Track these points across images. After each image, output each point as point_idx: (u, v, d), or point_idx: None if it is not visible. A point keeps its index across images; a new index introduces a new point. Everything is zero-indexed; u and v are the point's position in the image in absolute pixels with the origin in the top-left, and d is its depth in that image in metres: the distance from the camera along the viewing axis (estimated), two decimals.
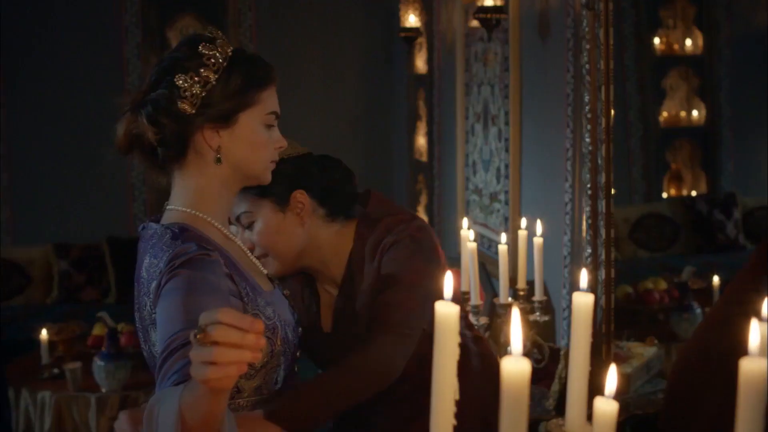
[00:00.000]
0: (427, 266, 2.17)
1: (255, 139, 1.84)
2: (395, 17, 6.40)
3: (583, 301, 1.18)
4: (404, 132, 6.62)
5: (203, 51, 1.79)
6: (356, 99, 7.09)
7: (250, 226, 2.16)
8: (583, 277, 1.25)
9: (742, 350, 0.99)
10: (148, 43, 6.65)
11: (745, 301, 2.02)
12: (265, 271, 1.97)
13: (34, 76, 6.49)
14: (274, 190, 2.12)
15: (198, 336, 1.26)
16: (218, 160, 1.80)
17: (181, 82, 1.76)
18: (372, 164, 6.61)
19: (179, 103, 1.76)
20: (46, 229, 6.47)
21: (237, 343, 1.24)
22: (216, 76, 1.78)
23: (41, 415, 4.14)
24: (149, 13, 6.66)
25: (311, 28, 6.98)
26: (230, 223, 2.02)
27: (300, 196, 2.18)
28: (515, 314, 0.98)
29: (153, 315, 1.70)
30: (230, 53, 1.82)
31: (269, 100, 1.86)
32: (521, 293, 2.86)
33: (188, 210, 1.81)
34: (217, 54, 1.79)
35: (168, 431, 1.37)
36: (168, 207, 1.84)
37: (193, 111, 1.76)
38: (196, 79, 1.77)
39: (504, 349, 2.86)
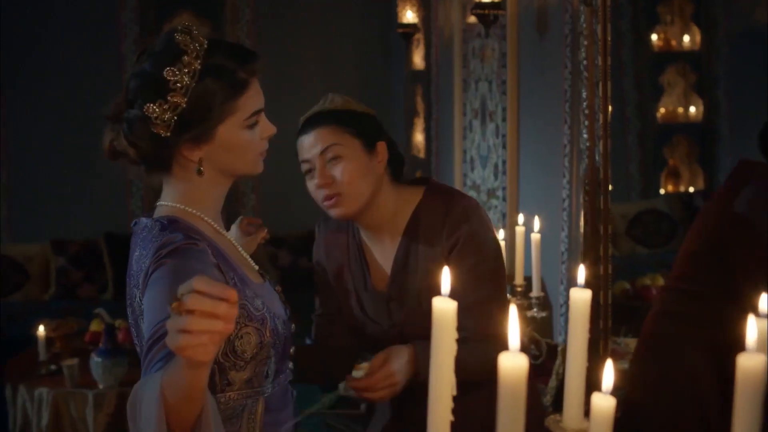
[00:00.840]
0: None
1: (237, 145, 1.82)
2: (393, 13, 6.39)
3: (580, 297, 1.18)
4: (402, 128, 6.62)
5: (168, 77, 1.72)
6: (353, 95, 7.03)
7: (333, 160, 2.17)
8: (581, 273, 1.25)
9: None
10: (145, 40, 6.63)
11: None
12: (256, 267, 1.98)
13: (32, 73, 6.49)
14: (367, 133, 2.20)
15: (173, 305, 1.26)
16: (200, 172, 1.79)
17: (150, 111, 1.72)
18: None
19: (153, 128, 1.73)
20: (43, 225, 6.47)
21: (210, 312, 1.24)
22: (185, 99, 1.73)
23: (39, 411, 4.14)
24: (147, 10, 6.66)
25: (309, 25, 6.97)
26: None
27: (382, 147, 2.23)
28: (512, 310, 0.98)
29: (142, 306, 1.69)
30: (199, 67, 1.74)
31: (250, 101, 1.82)
32: (519, 289, 2.86)
33: (178, 205, 1.81)
34: (184, 76, 1.72)
35: (151, 412, 1.36)
36: (159, 203, 1.85)
37: (168, 133, 1.74)
38: (164, 106, 1.72)
39: None
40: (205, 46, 1.77)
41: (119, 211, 6.60)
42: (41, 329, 4.37)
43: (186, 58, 1.74)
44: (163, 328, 1.48)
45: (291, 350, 1.96)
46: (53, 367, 4.29)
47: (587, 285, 1.21)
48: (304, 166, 2.22)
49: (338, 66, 7.06)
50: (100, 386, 4.08)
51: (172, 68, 1.72)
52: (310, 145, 2.20)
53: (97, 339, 4.29)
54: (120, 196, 6.64)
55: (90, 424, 4.07)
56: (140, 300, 1.71)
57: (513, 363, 0.93)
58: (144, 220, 1.81)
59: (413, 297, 2.23)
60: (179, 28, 1.78)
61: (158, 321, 1.55)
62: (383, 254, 2.31)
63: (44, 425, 4.11)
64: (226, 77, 1.78)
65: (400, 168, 2.34)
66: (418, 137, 6.29)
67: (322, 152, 2.17)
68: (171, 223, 1.75)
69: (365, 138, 2.20)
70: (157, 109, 1.71)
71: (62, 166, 6.51)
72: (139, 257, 1.74)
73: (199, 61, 1.75)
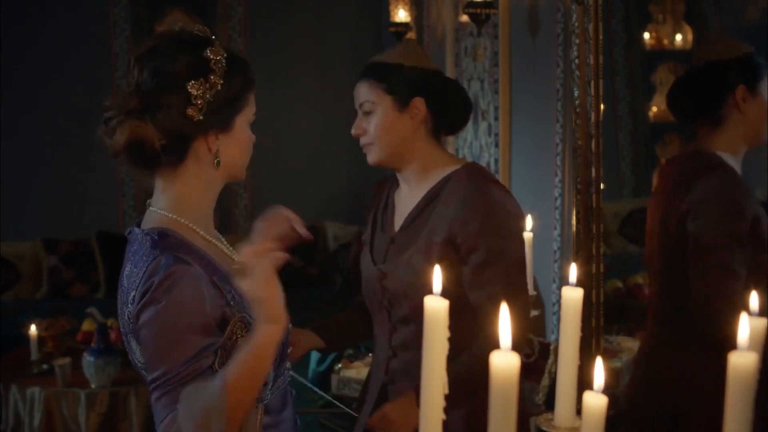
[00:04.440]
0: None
1: (245, 141, 1.86)
2: (385, 12, 6.39)
3: (572, 296, 1.18)
4: None
5: (210, 56, 1.76)
6: (346, 93, 7.06)
7: (366, 114, 2.38)
8: (573, 271, 1.25)
9: None
10: (137, 37, 6.62)
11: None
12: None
13: (23, 71, 6.46)
14: (399, 90, 2.34)
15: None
16: (218, 164, 1.81)
17: (194, 89, 1.74)
18: (363, 159, 6.58)
19: (189, 109, 1.74)
20: (35, 224, 6.45)
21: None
22: (221, 81, 1.77)
23: (30, 410, 4.13)
24: (138, 8, 6.64)
25: (301, 23, 6.97)
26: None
27: (419, 103, 2.36)
28: (504, 309, 0.98)
29: (131, 325, 1.73)
30: (226, 54, 1.79)
31: (253, 99, 1.87)
32: None
33: (169, 215, 1.80)
34: (222, 58, 1.77)
35: (213, 411, 1.58)
36: (150, 208, 1.84)
37: (201, 117, 1.76)
38: (207, 85, 1.75)
39: None
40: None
41: (111, 211, 6.59)
42: (33, 328, 4.36)
43: (218, 43, 1.80)
44: (160, 380, 1.66)
45: (288, 351, 1.96)
46: (45, 366, 4.27)
47: (579, 284, 1.21)
48: None
49: (331, 65, 7.06)
50: (93, 386, 4.07)
51: (212, 48, 1.78)
52: (355, 96, 2.42)
53: (89, 338, 4.28)
54: (112, 195, 6.63)
55: (82, 423, 4.06)
56: (128, 319, 1.73)
57: (505, 362, 0.93)
58: (136, 231, 1.80)
59: (410, 250, 2.33)
60: (198, 27, 1.83)
61: (156, 375, 1.66)
62: (408, 203, 2.44)
63: (36, 425, 4.10)
64: (247, 69, 1.84)
65: (453, 122, 2.47)
66: None
67: (360, 106, 2.39)
68: (162, 238, 1.74)
69: (397, 94, 2.34)
70: (200, 87, 1.74)
71: (54, 165, 6.50)
72: (130, 273, 1.75)
73: (224, 51, 1.80)
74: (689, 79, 2.70)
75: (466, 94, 2.50)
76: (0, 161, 6.43)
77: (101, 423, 4.06)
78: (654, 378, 2.62)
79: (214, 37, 1.83)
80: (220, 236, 1.93)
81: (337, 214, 6.92)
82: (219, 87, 1.76)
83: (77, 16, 6.54)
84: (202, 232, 1.83)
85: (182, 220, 1.80)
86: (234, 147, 1.83)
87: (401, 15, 5.78)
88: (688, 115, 2.71)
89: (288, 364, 1.97)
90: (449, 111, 2.43)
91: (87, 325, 4.50)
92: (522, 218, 2.36)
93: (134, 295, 1.70)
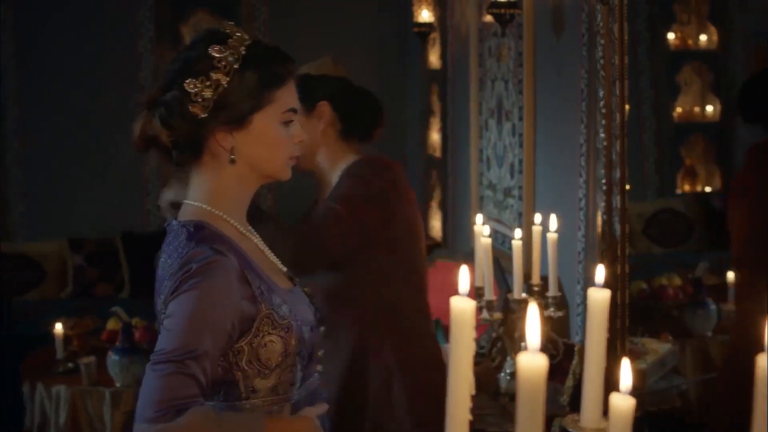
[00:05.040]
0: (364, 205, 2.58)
1: (270, 139, 1.84)
2: (408, 12, 6.39)
3: (598, 297, 1.18)
4: (418, 128, 6.62)
5: (213, 54, 1.77)
6: None
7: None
8: (599, 272, 1.25)
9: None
10: (161, 38, 6.66)
11: None
12: (284, 269, 1.98)
13: (48, 72, 6.52)
14: (305, 96, 2.48)
15: None
16: (232, 161, 1.81)
17: (191, 87, 1.76)
18: None
19: (190, 106, 1.76)
20: (60, 223, 6.49)
21: None
22: (228, 79, 1.77)
23: (56, 409, 4.16)
24: (163, 8, 6.67)
25: (324, 24, 6.97)
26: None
27: (323, 107, 2.63)
28: (533, 309, 0.98)
29: (162, 315, 1.75)
30: (244, 52, 1.79)
31: (286, 98, 1.85)
32: (536, 288, 2.86)
33: (204, 206, 1.82)
34: (229, 56, 1.77)
35: None
36: (185, 201, 1.86)
37: (205, 114, 1.76)
38: (207, 83, 1.76)
39: (518, 344, 2.86)
40: (249, 40, 1.83)
41: (136, 210, 6.63)
42: (58, 327, 4.39)
43: (231, 41, 1.80)
44: (164, 356, 1.64)
45: (320, 354, 1.96)
46: (71, 365, 4.30)
47: (605, 285, 1.21)
48: None
49: (354, 65, 7.02)
50: (117, 384, 4.10)
51: (219, 46, 1.78)
52: None
53: (114, 337, 4.30)
54: (137, 195, 6.66)
55: (107, 422, 4.09)
56: (162, 307, 1.75)
57: (532, 363, 0.93)
58: (174, 223, 1.82)
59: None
60: (225, 24, 1.86)
61: (163, 348, 1.66)
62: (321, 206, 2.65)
63: (62, 423, 4.13)
64: (267, 66, 1.83)
65: (360, 127, 2.71)
66: (434, 137, 6.28)
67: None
68: (197, 230, 1.76)
69: (305, 100, 2.46)
70: (198, 85, 1.75)
71: (79, 165, 6.54)
72: (164, 263, 1.78)
73: (243, 48, 1.80)
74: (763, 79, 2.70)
75: (376, 100, 2.75)
76: (26, 161, 6.49)
77: (126, 422, 4.08)
78: None
79: (239, 34, 1.82)
80: (253, 230, 1.94)
81: None
82: (224, 84, 1.76)
83: (103, 17, 6.58)
84: (236, 224, 1.84)
85: (216, 212, 1.82)
86: (255, 145, 1.82)
87: (425, 15, 5.79)
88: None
89: (319, 367, 1.97)
90: (357, 115, 2.67)
91: (112, 324, 4.52)
92: (377, 205, 2.60)
93: (168, 284, 1.72)
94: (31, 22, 6.45)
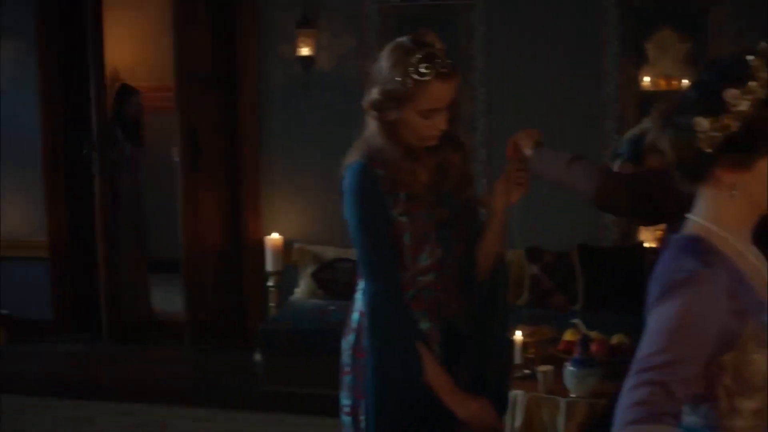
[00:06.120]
0: None
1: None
2: None
3: None
4: None
5: (727, 99, 1.73)
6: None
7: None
8: None
9: None
10: (625, 54, 6.67)
11: None
12: None
13: (513, 86, 6.80)
14: None
15: None
16: (732, 196, 1.80)
17: (698, 126, 1.75)
18: None
19: (696, 141, 1.76)
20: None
21: None
22: (737, 124, 1.73)
23: (512, 412, 4.33)
24: (628, 25, 6.67)
25: None
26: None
27: None
28: None
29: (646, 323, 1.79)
30: (763, 96, 1.72)
31: None
32: None
33: (705, 222, 1.83)
34: (744, 102, 1.72)
35: None
36: (688, 215, 1.88)
37: (710, 150, 1.76)
38: (715, 125, 1.74)
39: None
40: None
41: (593, 225, 6.68)
42: (518, 334, 4.57)
43: (752, 84, 1.73)
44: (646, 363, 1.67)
45: None
46: (527, 371, 4.46)
47: None
48: None
49: None
50: (572, 395, 4.17)
51: (735, 90, 1.73)
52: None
53: (570, 348, 4.39)
54: (595, 209, 6.68)
55: (560, 431, 4.18)
56: (646, 314, 1.79)
57: None
58: (673, 236, 1.87)
59: None
60: (758, 49, 1.77)
61: (645, 353, 1.69)
62: None
63: (517, 426, 4.30)
64: None
65: None
66: None
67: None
68: (692, 243, 1.78)
69: None
70: (707, 126, 1.74)
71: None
72: (654, 274, 1.82)
73: (765, 91, 1.73)
74: None
75: None
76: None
77: None
78: None
79: (764, 76, 1.73)
80: (759, 253, 1.90)
81: None
82: (734, 129, 1.72)
83: (568, 35, 6.73)
84: (735, 242, 1.83)
85: (715, 228, 1.82)
86: (758, 186, 1.79)
87: None
88: None
89: None
90: None
91: (569, 335, 4.62)
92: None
93: (653, 292, 1.77)
94: (503, 37, 6.79)
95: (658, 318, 1.72)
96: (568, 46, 6.74)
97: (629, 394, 1.67)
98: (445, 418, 2.77)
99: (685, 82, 6.65)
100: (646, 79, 6.74)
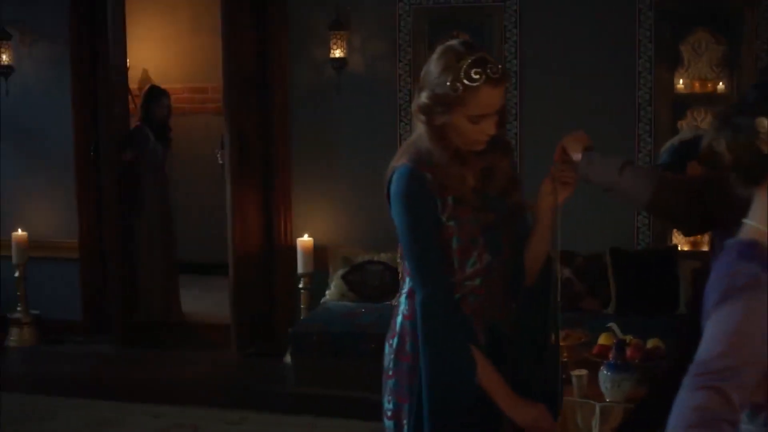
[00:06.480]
0: None
1: None
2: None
3: None
4: None
5: None
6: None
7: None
8: None
9: None
10: (660, 57, 6.62)
11: None
12: None
13: (544, 89, 6.77)
14: None
15: None
16: None
17: (760, 125, 1.74)
18: None
19: (758, 141, 1.74)
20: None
21: None
22: None
23: None
24: (663, 27, 6.62)
25: None
26: None
27: None
28: None
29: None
30: None
31: None
32: None
33: (761, 227, 1.80)
34: None
35: None
36: (744, 220, 1.85)
37: None
38: None
39: None
40: None
41: (626, 228, 6.64)
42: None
43: None
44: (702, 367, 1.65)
45: None
46: (563, 375, 4.41)
47: None
48: None
49: None
50: (607, 399, 4.13)
51: None
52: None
53: (605, 352, 4.35)
54: (628, 212, 6.64)
55: None
56: (704, 320, 1.75)
57: None
58: (729, 241, 1.83)
59: None
60: None
61: (709, 361, 1.66)
62: None
63: None
64: None
65: None
66: None
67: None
68: (749, 248, 1.75)
69: None
70: None
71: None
72: (711, 279, 1.78)
73: None
74: None
75: None
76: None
77: None
78: None
79: None
80: None
81: None
82: None
83: (604, 36, 6.69)
84: None
85: None
86: None
87: None
88: None
89: None
90: None
91: (603, 340, 4.57)
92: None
93: (712, 297, 1.74)
94: (535, 39, 6.75)
95: (717, 323, 1.69)
96: (601, 48, 6.70)
97: (687, 397, 1.64)
98: (492, 421, 2.74)
99: (721, 85, 6.59)
100: (681, 82, 6.68)
